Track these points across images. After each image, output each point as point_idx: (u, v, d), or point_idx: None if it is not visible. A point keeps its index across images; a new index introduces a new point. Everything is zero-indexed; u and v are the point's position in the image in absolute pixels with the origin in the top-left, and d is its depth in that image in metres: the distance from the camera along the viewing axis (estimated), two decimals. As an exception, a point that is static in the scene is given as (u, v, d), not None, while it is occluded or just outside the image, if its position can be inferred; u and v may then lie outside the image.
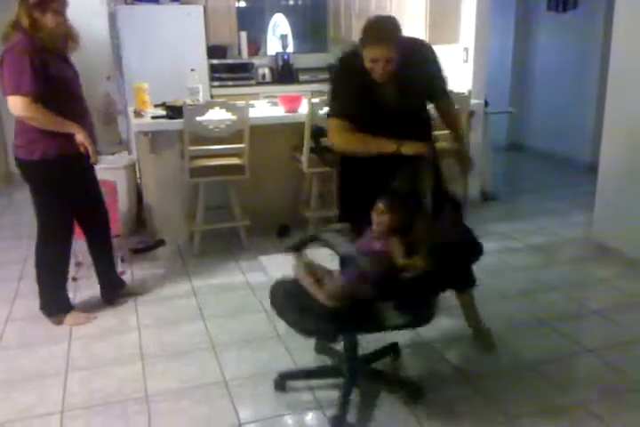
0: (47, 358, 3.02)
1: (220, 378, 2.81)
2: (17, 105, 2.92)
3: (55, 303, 3.36)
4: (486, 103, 5.20)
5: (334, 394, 2.60)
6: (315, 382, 2.74)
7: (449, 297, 3.08)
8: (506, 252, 4.33)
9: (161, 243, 4.47)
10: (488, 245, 4.39)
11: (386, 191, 2.48)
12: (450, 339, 3.13)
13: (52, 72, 2.97)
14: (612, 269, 3.99)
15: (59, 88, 3.02)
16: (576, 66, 6.71)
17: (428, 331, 3.19)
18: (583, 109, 6.61)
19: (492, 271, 3.97)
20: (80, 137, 3.06)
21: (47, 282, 3.32)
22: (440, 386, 2.75)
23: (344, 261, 2.51)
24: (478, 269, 3.97)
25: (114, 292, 3.61)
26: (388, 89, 2.69)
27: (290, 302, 2.44)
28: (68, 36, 3.13)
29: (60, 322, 3.34)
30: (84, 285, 3.73)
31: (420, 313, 2.39)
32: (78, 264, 3.92)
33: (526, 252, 4.34)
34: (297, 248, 2.59)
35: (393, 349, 2.94)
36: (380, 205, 2.42)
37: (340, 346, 2.66)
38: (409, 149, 2.47)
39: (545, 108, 7.27)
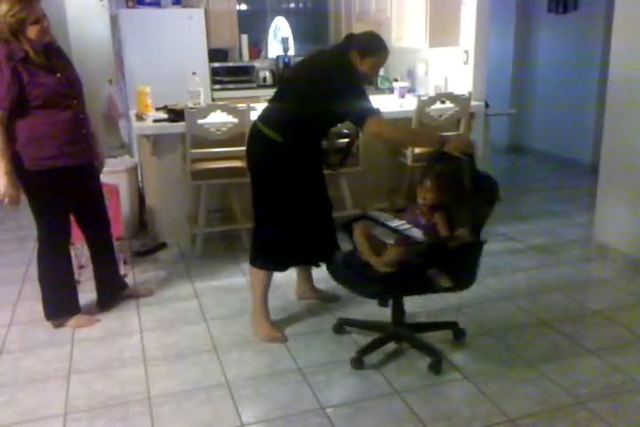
0: (50, 360, 3.03)
1: (223, 380, 2.82)
2: None
3: (58, 307, 3.36)
4: (487, 105, 5.20)
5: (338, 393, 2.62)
6: (315, 380, 2.75)
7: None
8: (507, 252, 4.33)
9: (163, 245, 4.48)
10: (490, 245, 4.42)
11: (432, 172, 2.81)
12: (449, 339, 3.14)
13: (26, 85, 2.88)
14: (613, 269, 4.00)
15: (33, 100, 2.92)
16: (576, 67, 6.72)
17: (431, 333, 3.20)
18: (583, 111, 6.62)
19: (493, 272, 3.98)
20: (0, 184, 2.96)
21: (50, 285, 3.32)
22: (439, 385, 2.76)
23: (396, 233, 2.78)
24: (481, 269, 3.99)
25: (113, 296, 3.60)
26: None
27: (349, 269, 2.86)
28: (51, 43, 3.04)
29: (60, 325, 3.34)
30: (87, 287, 3.74)
31: (463, 278, 2.78)
32: (81, 267, 3.94)
33: (528, 252, 4.35)
34: (348, 225, 2.95)
35: (452, 326, 3.18)
36: (427, 184, 2.78)
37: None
38: (452, 148, 2.75)
39: (545, 110, 7.28)
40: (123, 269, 3.87)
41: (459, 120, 4.67)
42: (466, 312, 3.42)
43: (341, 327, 3.23)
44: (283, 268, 3.23)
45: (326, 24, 7.74)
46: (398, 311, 3.01)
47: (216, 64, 6.81)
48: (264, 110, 3.11)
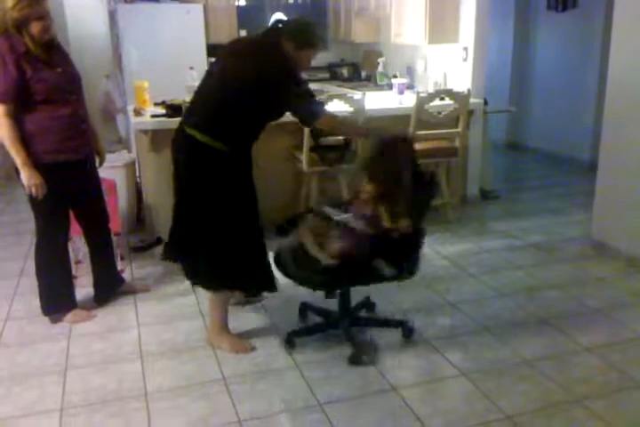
0: (47, 355, 3.02)
1: (219, 375, 2.81)
2: None
3: (55, 301, 3.35)
4: (486, 102, 5.20)
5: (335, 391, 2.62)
6: (312, 376, 2.75)
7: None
8: (506, 250, 4.33)
9: (160, 241, 4.47)
10: (488, 243, 4.45)
11: (369, 164, 2.88)
12: (448, 336, 3.14)
13: (29, 78, 2.90)
14: (611, 267, 4.00)
15: (35, 95, 2.93)
16: (576, 65, 6.72)
17: (429, 328, 3.20)
18: (583, 108, 6.62)
19: (491, 269, 3.98)
20: (23, 175, 2.98)
21: (47, 280, 3.31)
22: (436, 381, 2.76)
23: (340, 226, 2.81)
24: (479, 267, 4.00)
25: (110, 291, 3.60)
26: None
27: (294, 262, 2.86)
28: (53, 39, 3.05)
29: (57, 320, 3.33)
30: (83, 282, 3.73)
31: (407, 266, 2.85)
32: (78, 262, 3.93)
33: (526, 250, 4.35)
34: (294, 220, 3.01)
35: (368, 302, 3.40)
36: (367, 176, 2.84)
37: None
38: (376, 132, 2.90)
39: (544, 107, 7.27)
40: (120, 265, 3.85)
41: (458, 117, 4.66)
42: (463, 309, 3.42)
43: (304, 311, 3.33)
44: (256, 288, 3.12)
45: (325, 20, 7.73)
46: (344, 302, 3.09)
47: (214, 59, 6.77)
48: (191, 112, 2.89)
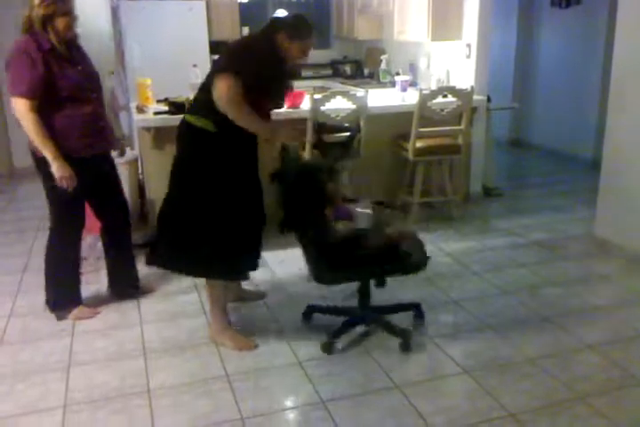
0: (50, 352, 3.03)
1: (222, 373, 2.82)
2: (16, 107, 2.92)
3: (61, 298, 3.36)
4: (489, 99, 5.19)
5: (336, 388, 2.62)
6: (315, 374, 2.76)
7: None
8: (509, 247, 4.33)
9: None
10: (491, 240, 4.44)
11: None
12: (451, 333, 3.14)
13: (54, 75, 2.93)
14: (614, 265, 3.99)
15: (60, 91, 2.97)
16: (579, 62, 6.70)
17: (432, 326, 3.20)
18: (586, 105, 6.60)
19: (494, 266, 3.97)
20: (54, 167, 2.99)
21: (55, 275, 3.32)
22: (439, 379, 2.76)
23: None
24: (482, 264, 4.00)
25: (127, 287, 3.60)
26: (288, 74, 3.10)
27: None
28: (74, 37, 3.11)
29: (62, 317, 3.34)
30: (89, 279, 3.73)
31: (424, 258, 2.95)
32: (84, 259, 3.93)
33: (529, 247, 4.34)
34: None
35: (414, 307, 3.31)
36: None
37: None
38: (281, 136, 2.94)
39: (548, 104, 7.25)
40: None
41: (461, 114, 4.65)
42: (466, 307, 3.42)
43: (309, 314, 3.29)
44: (247, 272, 3.19)
45: (328, 17, 7.72)
46: (365, 295, 3.12)
47: (217, 57, 6.77)
48: (192, 102, 3.11)
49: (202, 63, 5.46)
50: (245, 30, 7.08)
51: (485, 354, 2.95)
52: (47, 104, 2.94)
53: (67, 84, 2.98)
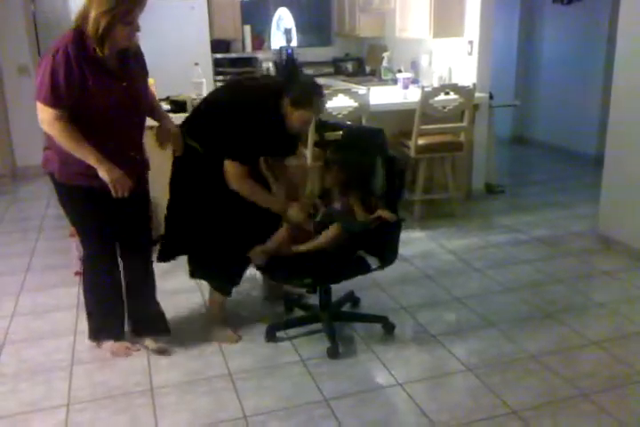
0: (53, 351, 3.03)
1: (225, 371, 2.82)
2: (40, 115, 2.49)
3: (100, 329, 3.03)
4: (491, 96, 5.18)
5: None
6: (318, 372, 2.76)
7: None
8: (511, 244, 4.32)
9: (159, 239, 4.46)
10: (494, 237, 4.43)
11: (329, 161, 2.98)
12: (454, 331, 3.14)
13: (90, 87, 2.47)
14: (617, 261, 3.98)
15: (93, 108, 2.53)
16: (581, 58, 6.68)
17: (435, 323, 3.20)
18: (588, 102, 6.58)
19: (497, 263, 3.97)
20: (101, 172, 2.55)
21: (93, 306, 3.00)
22: (442, 376, 2.76)
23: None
24: (484, 261, 3.99)
25: (146, 326, 3.11)
26: (288, 138, 2.96)
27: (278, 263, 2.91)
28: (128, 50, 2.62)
29: (98, 346, 3.05)
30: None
31: (388, 256, 2.95)
32: (82, 259, 3.93)
33: (532, 244, 4.33)
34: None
35: (352, 297, 3.41)
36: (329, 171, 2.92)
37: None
38: (292, 217, 2.89)
39: (550, 101, 7.24)
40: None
41: (463, 111, 4.64)
42: (469, 304, 3.42)
43: (289, 305, 3.38)
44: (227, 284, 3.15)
45: (329, 15, 7.71)
46: (326, 296, 3.13)
47: (219, 55, 6.79)
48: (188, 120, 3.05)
49: (203, 62, 5.48)
50: (247, 29, 7.09)
51: (488, 351, 2.94)
52: (75, 121, 2.51)
53: (102, 101, 2.52)
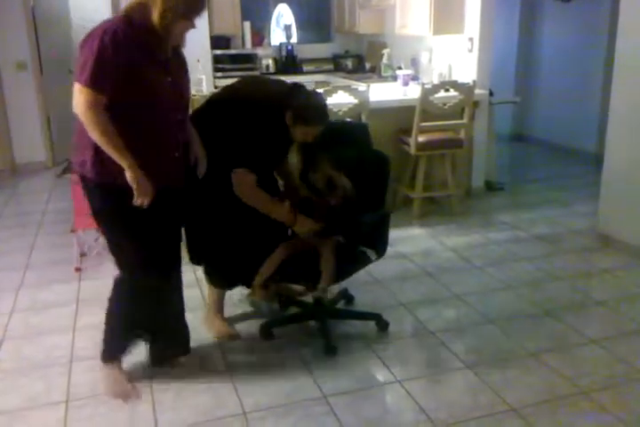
0: (52, 347, 3.03)
1: (224, 368, 2.82)
2: (76, 99, 2.24)
3: (114, 352, 2.74)
4: (491, 93, 5.17)
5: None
6: (317, 369, 2.76)
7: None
8: (511, 242, 4.32)
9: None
10: (494, 235, 4.43)
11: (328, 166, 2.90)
12: (453, 328, 3.14)
13: (135, 75, 2.28)
14: (616, 259, 3.98)
15: (136, 100, 2.33)
16: (581, 55, 6.67)
17: (434, 320, 3.20)
18: (588, 99, 6.58)
19: (496, 261, 3.97)
20: (128, 174, 2.31)
21: (112, 327, 2.72)
22: (441, 374, 2.76)
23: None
24: (484, 259, 3.99)
25: (170, 351, 2.87)
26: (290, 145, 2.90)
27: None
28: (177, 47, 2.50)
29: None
30: (90, 275, 3.74)
31: (381, 247, 3.01)
32: (83, 255, 3.93)
33: (531, 242, 4.33)
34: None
35: (346, 294, 3.41)
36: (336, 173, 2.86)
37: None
38: (300, 229, 2.83)
39: (550, 98, 7.23)
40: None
41: (463, 108, 4.64)
42: (468, 301, 3.42)
43: (286, 302, 3.34)
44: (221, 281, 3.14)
45: (329, 11, 7.70)
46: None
47: (218, 51, 6.78)
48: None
49: (203, 58, 5.47)
50: (247, 25, 7.07)
51: (488, 349, 2.95)
52: (115, 114, 2.28)
53: (147, 92, 2.34)
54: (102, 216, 2.50)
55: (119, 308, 2.67)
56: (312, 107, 2.77)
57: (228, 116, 2.78)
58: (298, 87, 2.83)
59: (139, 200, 2.35)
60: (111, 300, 2.66)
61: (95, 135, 2.25)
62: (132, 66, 2.26)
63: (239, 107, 2.76)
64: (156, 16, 2.27)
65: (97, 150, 2.31)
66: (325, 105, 2.87)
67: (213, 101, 2.93)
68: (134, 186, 2.33)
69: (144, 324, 2.73)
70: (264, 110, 2.73)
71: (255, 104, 2.74)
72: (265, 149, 2.77)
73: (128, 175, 2.31)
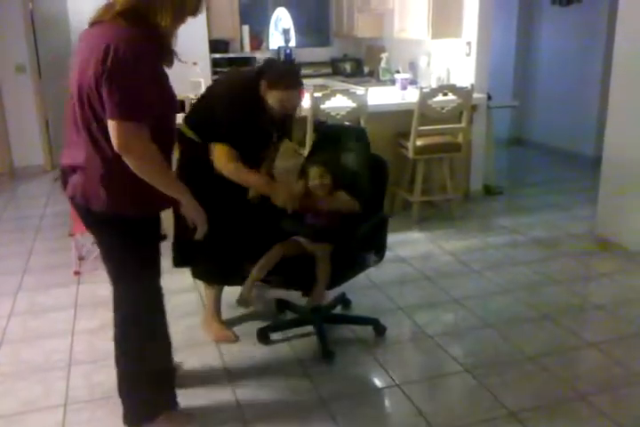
0: (50, 351, 3.02)
1: (222, 370, 2.82)
2: (125, 138, 1.89)
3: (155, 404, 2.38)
4: (489, 97, 5.18)
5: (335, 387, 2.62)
6: (315, 372, 2.75)
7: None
8: (509, 246, 4.32)
9: (163, 237, 4.46)
10: (492, 238, 4.44)
11: (314, 161, 2.97)
12: (452, 332, 3.14)
13: (166, 90, 2.08)
14: (614, 263, 3.99)
15: (160, 111, 2.04)
16: (579, 60, 6.69)
17: (432, 324, 3.20)
18: (586, 103, 6.59)
19: (495, 265, 3.97)
20: (190, 208, 2.16)
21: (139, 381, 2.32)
22: (440, 377, 2.76)
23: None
24: (483, 263, 3.99)
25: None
26: (269, 120, 2.90)
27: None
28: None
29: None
30: (88, 279, 3.73)
31: (382, 251, 3.01)
32: (81, 259, 3.93)
33: (530, 246, 4.34)
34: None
35: (343, 298, 3.40)
36: (318, 170, 2.88)
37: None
38: (278, 200, 2.79)
39: (548, 102, 7.24)
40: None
41: (461, 112, 4.65)
42: (467, 305, 3.42)
43: (281, 307, 3.36)
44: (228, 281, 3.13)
45: (328, 15, 7.72)
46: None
47: (217, 55, 6.78)
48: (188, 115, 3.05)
49: (201, 62, 5.48)
50: (245, 29, 7.08)
51: (486, 352, 2.95)
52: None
53: (164, 101, 2.06)
54: (113, 252, 2.24)
55: (140, 348, 2.29)
56: (284, 71, 2.89)
57: (209, 98, 2.92)
58: (271, 60, 2.91)
59: (200, 231, 2.17)
60: (120, 342, 2.29)
61: (158, 177, 2.00)
62: (163, 79, 2.06)
63: (217, 87, 2.96)
64: (162, 18, 1.98)
65: (110, 179, 2.01)
66: (298, 71, 2.98)
67: (200, 96, 3.09)
68: (193, 215, 2.17)
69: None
70: (239, 85, 2.88)
71: (231, 82, 2.95)
72: (241, 123, 2.81)
73: (189, 206, 2.14)
